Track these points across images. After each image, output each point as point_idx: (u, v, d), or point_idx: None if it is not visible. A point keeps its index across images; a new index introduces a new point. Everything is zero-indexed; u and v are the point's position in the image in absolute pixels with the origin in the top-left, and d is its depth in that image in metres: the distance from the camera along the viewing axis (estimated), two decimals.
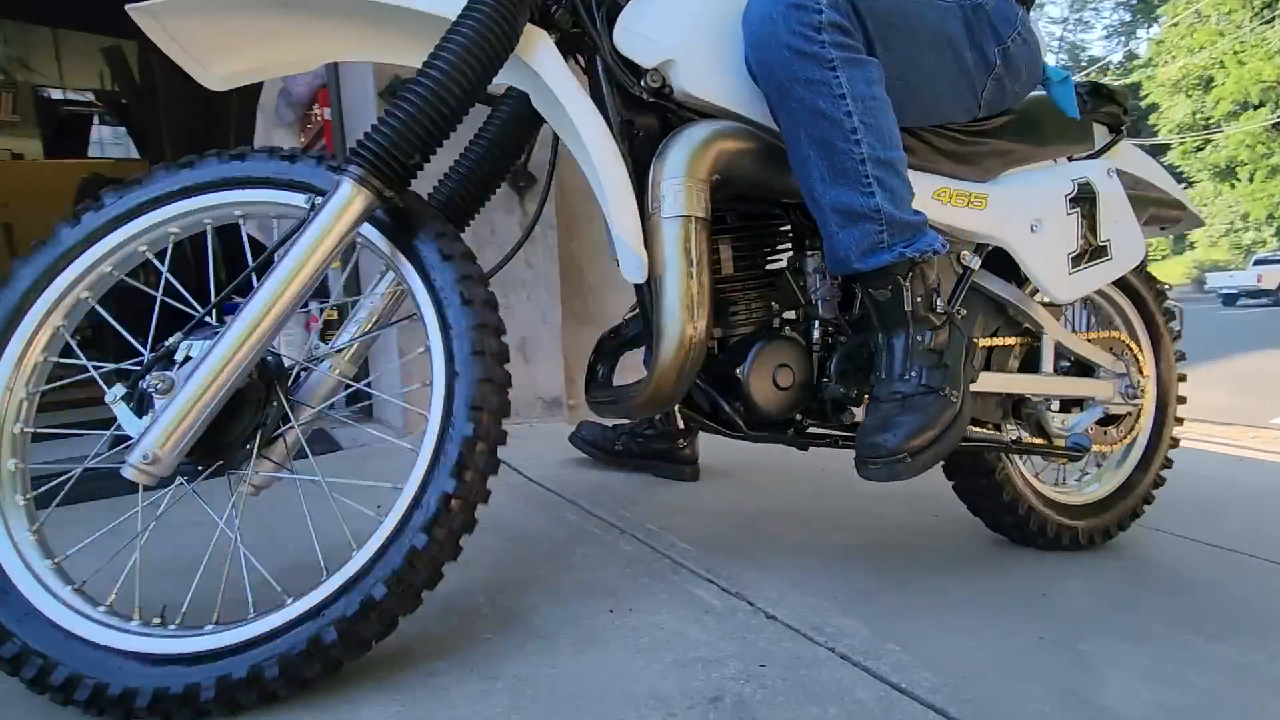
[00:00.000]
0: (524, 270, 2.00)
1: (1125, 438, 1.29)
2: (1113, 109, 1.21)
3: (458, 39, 0.79)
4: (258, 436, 0.83)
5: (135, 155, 5.49)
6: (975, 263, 1.11)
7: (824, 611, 0.98)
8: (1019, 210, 1.12)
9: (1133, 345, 1.30)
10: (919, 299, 0.93)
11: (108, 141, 7.10)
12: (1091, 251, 1.15)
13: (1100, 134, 1.23)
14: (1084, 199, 1.15)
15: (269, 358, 0.85)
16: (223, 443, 0.81)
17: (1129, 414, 1.28)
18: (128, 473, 0.73)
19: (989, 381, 1.12)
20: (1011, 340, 1.18)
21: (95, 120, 6.15)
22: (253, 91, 2.42)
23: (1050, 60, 1.15)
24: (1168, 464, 1.37)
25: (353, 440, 1.82)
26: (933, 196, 1.04)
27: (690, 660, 0.84)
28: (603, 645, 0.88)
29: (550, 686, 0.79)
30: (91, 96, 5.84)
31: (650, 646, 0.87)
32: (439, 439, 0.77)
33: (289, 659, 0.71)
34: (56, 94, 5.88)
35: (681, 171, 0.89)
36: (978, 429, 1.13)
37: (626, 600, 0.99)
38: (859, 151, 0.88)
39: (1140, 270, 1.30)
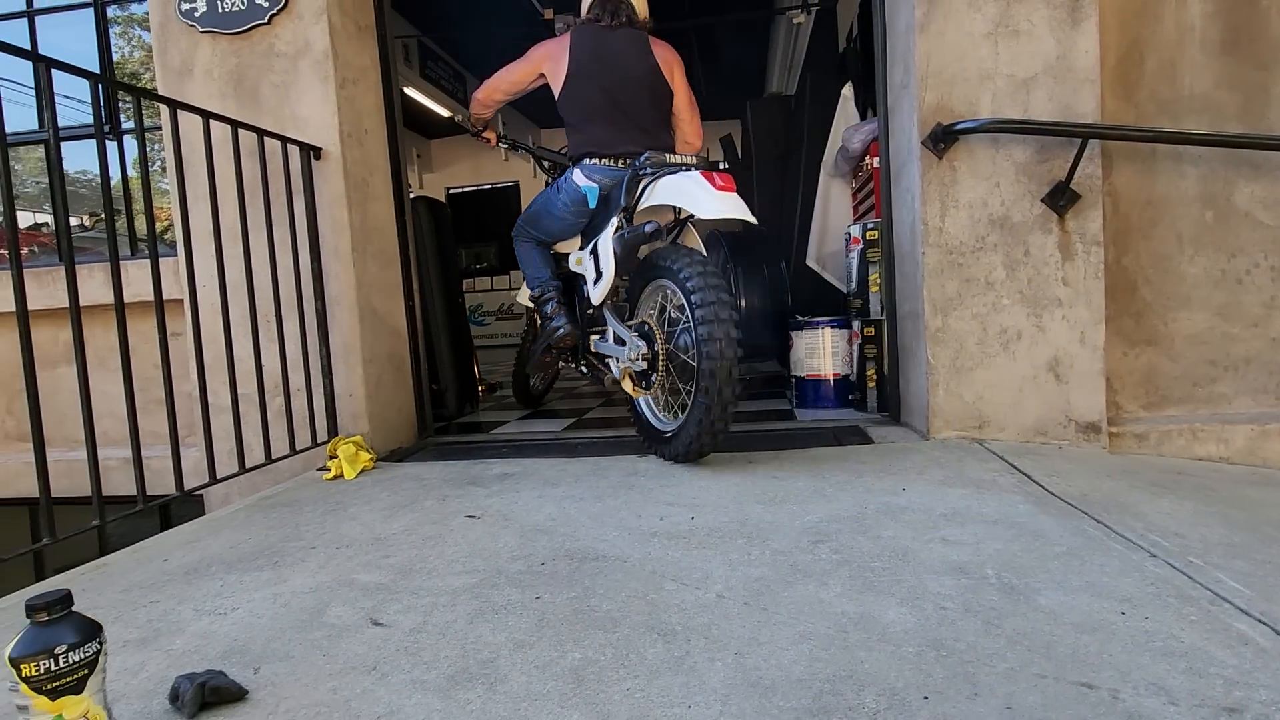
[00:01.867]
0: (1058, 288, 1.98)
1: (647, 390, 2.11)
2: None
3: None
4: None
5: None
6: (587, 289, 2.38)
7: None
8: (579, 259, 2.43)
9: (656, 328, 2.05)
10: (537, 309, 2.60)
11: None
12: (599, 276, 2.24)
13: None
14: (594, 250, 2.30)
15: None
16: None
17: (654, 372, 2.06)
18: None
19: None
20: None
21: None
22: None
23: None
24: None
25: (882, 437, 2.15)
26: (575, 263, 2.46)
27: (1209, 674, 0.85)
28: (1108, 634, 0.95)
29: (1046, 644, 0.93)
30: None
31: (1162, 650, 0.91)
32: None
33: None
34: None
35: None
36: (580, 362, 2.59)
37: (1143, 610, 1.01)
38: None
39: (685, 276, 1.86)
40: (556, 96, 2.34)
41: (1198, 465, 1.95)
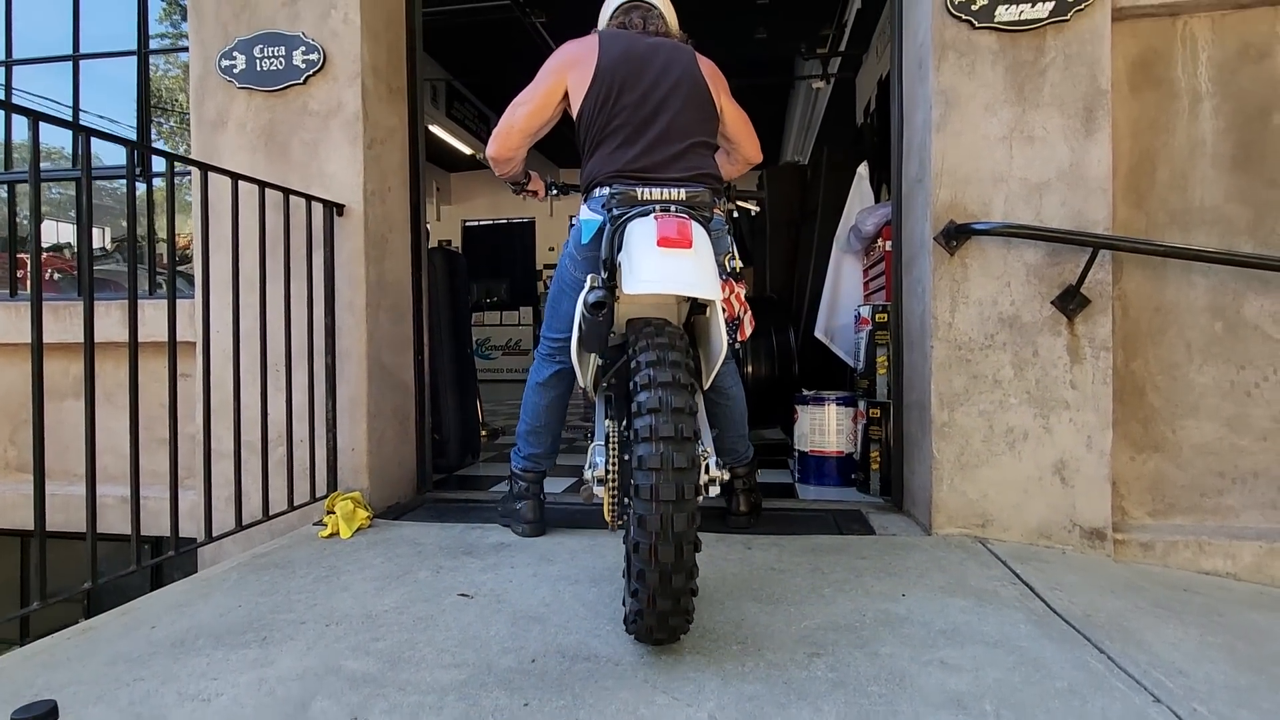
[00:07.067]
0: (1066, 390, 1.98)
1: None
2: None
3: None
4: None
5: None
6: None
7: None
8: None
9: (614, 435, 1.52)
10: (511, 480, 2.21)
11: None
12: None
13: None
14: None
15: None
16: None
17: None
18: None
19: None
20: None
21: None
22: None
23: None
24: None
25: (883, 528, 2.13)
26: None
27: None
28: None
29: None
30: None
31: None
32: None
33: None
34: None
35: None
36: None
37: None
38: None
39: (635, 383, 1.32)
40: (575, 110, 1.79)
41: (1204, 581, 1.91)
